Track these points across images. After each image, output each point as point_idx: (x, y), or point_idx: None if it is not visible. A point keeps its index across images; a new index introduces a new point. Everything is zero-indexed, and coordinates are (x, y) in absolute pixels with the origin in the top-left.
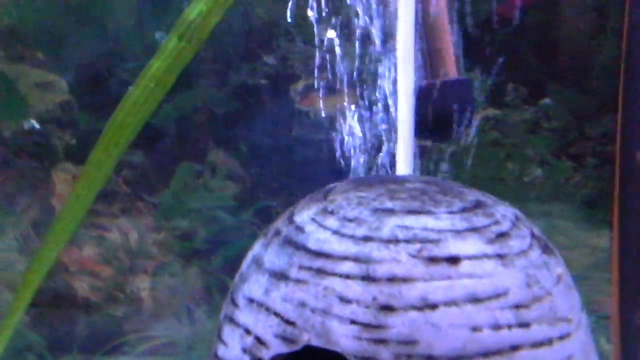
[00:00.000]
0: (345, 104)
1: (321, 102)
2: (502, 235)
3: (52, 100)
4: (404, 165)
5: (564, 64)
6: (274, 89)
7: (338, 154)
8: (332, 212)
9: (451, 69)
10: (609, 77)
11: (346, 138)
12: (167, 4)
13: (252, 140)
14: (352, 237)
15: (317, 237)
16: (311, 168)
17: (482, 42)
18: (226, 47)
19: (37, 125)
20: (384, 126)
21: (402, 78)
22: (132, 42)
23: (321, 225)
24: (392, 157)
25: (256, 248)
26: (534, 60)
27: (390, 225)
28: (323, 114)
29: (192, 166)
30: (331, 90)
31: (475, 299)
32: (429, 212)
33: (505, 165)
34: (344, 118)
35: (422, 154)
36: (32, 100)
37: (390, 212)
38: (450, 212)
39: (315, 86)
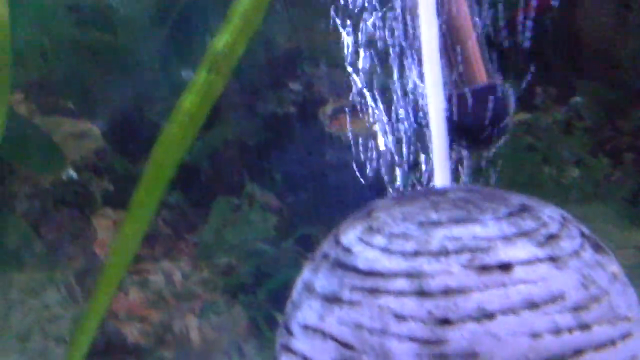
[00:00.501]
0: (375, 122)
1: (350, 123)
2: (552, 238)
3: (86, 148)
4: (441, 176)
5: (590, 60)
6: (303, 115)
7: (373, 173)
8: (378, 230)
9: (480, 75)
10: (636, 70)
11: (380, 156)
12: (190, 43)
13: (286, 169)
14: (401, 253)
15: (366, 256)
16: (347, 190)
17: (505, 47)
18: (251, 78)
19: (74, 175)
20: (417, 140)
21: (430, 89)
22: (159, 83)
23: (368, 244)
24: (428, 170)
25: (305, 274)
26: (559, 60)
27: (438, 238)
28: (354, 135)
29: (228, 201)
30: (360, 110)
31: (532, 305)
32: (475, 220)
33: (541, 168)
34: (375, 137)
35: (457, 164)
36: (68, 150)
37: (437, 224)
38: (497, 218)
39: (344, 108)
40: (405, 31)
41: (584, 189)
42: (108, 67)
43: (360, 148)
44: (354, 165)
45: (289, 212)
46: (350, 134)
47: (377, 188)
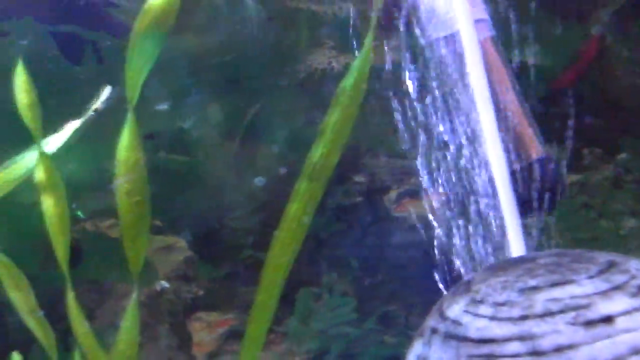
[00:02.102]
0: (441, 201)
1: (415, 205)
2: None
3: (175, 260)
4: (517, 246)
5: (629, 117)
6: (369, 203)
7: (443, 250)
8: (481, 301)
9: (536, 148)
10: None
11: (451, 233)
12: (258, 153)
13: (360, 254)
14: (509, 319)
15: (476, 326)
16: (419, 269)
17: (548, 115)
18: None
19: (167, 285)
20: (487, 213)
21: (496, 167)
22: (233, 192)
23: (476, 315)
24: (499, 241)
25: (418, 348)
26: (601, 121)
27: (540, 301)
28: (419, 216)
29: (310, 291)
30: (423, 192)
31: (637, 351)
32: (571, 281)
33: (598, 223)
34: (443, 215)
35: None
36: (160, 263)
37: (536, 288)
38: (590, 277)
39: (408, 192)
40: (463, 117)
41: None
42: (187, 183)
43: (428, 227)
44: (423, 244)
45: (368, 293)
46: (417, 215)
47: (449, 265)
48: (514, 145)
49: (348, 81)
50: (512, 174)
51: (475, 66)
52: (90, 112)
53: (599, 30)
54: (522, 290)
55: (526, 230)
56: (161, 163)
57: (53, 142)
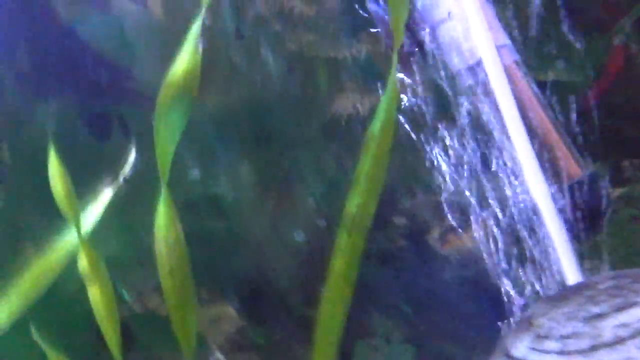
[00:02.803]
0: (485, 234)
1: (460, 240)
2: None
3: (227, 329)
4: (572, 270)
5: None
6: (414, 245)
7: (496, 284)
8: (547, 336)
9: (575, 168)
10: None
11: (499, 264)
12: (295, 208)
13: (412, 299)
14: (578, 351)
15: None
16: (475, 305)
17: (581, 132)
18: None
19: (221, 357)
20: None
21: (538, 195)
22: (274, 251)
23: (543, 351)
24: (553, 268)
25: None
26: (635, 130)
27: (609, 328)
28: (466, 251)
29: (367, 342)
30: (467, 226)
31: None
32: (636, 303)
33: None
34: (491, 246)
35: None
36: (211, 334)
37: (601, 316)
38: None
39: (451, 228)
40: (497, 145)
41: None
42: (227, 249)
43: (478, 261)
44: (476, 279)
45: (425, 338)
46: (464, 251)
47: (502, 297)
48: (552, 167)
49: (375, 126)
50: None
51: (503, 92)
52: (120, 181)
53: (622, 40)
54: (587, 320)
55: (578, 253)
56: (200, 232)
57: (89, 218)
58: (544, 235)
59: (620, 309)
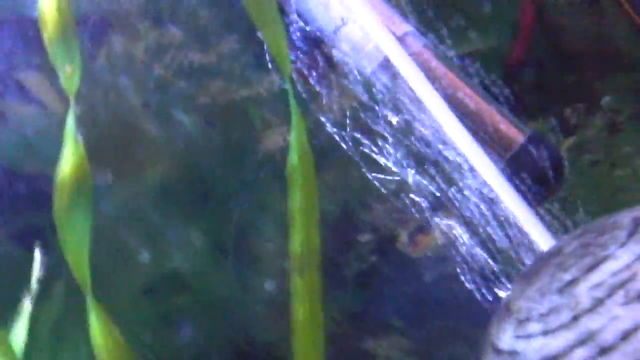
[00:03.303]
0: (452, 227)
1: (431, 240)
2: None
3: None
4: (542, 238)
5: (592, 60)
6: (385, 257)
7: (470, 277)
8: (527, 319)
9: (516, 134)
10: None
11: (474, 251)
12: (254, 253)
13: (401, 312)
14: (562, 326)
15: (533, 348)
16: (464, 299)
17: (513, 94)
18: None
19: None
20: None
21: (482, 167)
22: (248, 308)
23: (527, 336)
24: (525, 240)
25: None
26: (567, 77)
27: (584, 292)
28: (441, 248)
29: None
30: (429, 226)
31: None
32: (605, 258)
33: (614, 174)
34: (458, 242)
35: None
36: None
37: (574, 282)
38: (622, 245)
39: (418, 230)
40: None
41: None
42: (199, 321)
43: (448, 258)
44: (456, 273)
45: (425, 348)
46: (433, 250)
47: (484, 282)
48: (494, 140)
49: (293, 159)
50: (506, 169)
51: (417, 81)
52: (32, 291)
53: None
54: (561, 290)
55: (546, 216)
56: (167, 312)
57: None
58: (506, 213)
59: (590, 268)
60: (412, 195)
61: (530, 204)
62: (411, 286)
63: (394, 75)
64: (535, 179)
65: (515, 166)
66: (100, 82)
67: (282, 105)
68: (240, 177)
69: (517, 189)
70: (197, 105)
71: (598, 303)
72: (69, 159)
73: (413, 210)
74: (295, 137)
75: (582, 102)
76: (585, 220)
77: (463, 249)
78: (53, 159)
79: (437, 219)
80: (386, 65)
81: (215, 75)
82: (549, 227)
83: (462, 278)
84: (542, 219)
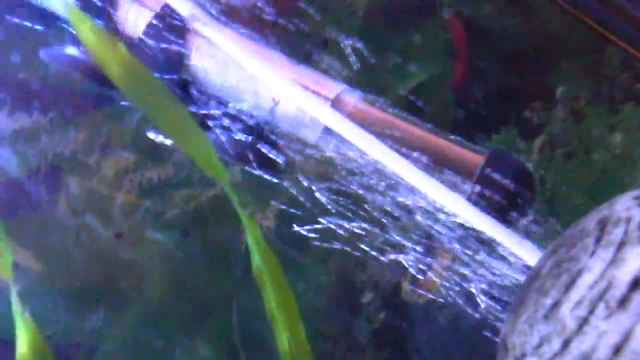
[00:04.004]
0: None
1: (431, 282)
2: None
3: None
4: (525, 252)
5: (529, 56)
6: (395, 311)
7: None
8: (523, 355)
9: (474, 158)
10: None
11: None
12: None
13: (418, 347)
14: (555, 354)
15: None
16: (490, 331)
17: (467, 113)
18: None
19: None
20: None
21: (452, 202)
22: None
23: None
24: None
25: None
26: (512, 80)
27: (567, 315)
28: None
29: None
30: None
31: None
32: (579, 272)
33: (591, 162)
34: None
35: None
36: None
37: (556, 305)
38: (592, 254)
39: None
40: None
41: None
42: None
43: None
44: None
45: None
46: (440, 287)
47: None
48: (456, 169)
49: (256, 260)
50: (469, 198)
51: (361, 138)
52: None
53: (450, 12)
54: (546, 317)
55: (529, 227)
56: None
57: None
58: (489, 239)
59: (567, 287)
60: (404, 243)
61: (508, 222)
62: (428, 332)
63: (337, 138)
64: (507, 193)
65: (485, 186)
66: (68, 226)
67: (250, 192)
68: (230, 276)
69: (494, 209)
70: (168, 219)
71: (583, 322)
72: (23, 340)
73: (407, 258)
74: (252, 240)
75: (538, 100)
76: (574, 219)
77: (465, 285)
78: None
79: (431, 261)
80: (327, 131)
81: (176, 185)
82: (538, 237)
83: (470, 311)
84: (527, 232)
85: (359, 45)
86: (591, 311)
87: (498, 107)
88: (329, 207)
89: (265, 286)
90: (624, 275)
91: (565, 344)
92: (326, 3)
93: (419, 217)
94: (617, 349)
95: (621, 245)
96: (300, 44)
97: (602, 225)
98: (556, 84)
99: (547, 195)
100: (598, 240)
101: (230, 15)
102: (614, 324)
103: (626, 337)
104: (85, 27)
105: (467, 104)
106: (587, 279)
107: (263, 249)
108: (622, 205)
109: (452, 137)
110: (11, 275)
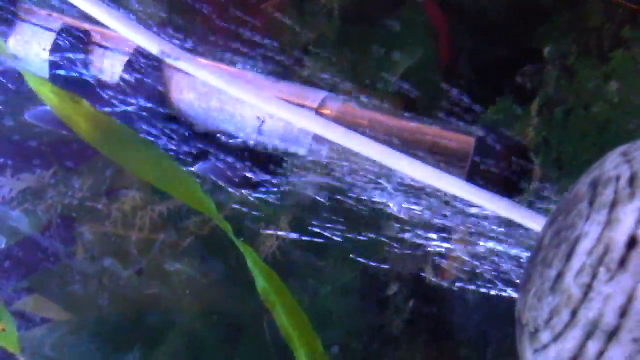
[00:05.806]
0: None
1: (456, 258)
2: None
3: None
4: (529, 220)
5: (509, 23)
6: (421, 297)
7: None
8: (536, 330)
9: (465, 140)
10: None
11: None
12: None
13: (465, 340)
14: (566, 326)
15: (552, 357)
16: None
17: (461, 89)
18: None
19: None
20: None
21: (455, 190)
22: None
23: (543, 348)
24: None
25: None
26: (498, 49)
27: (571, 284)
28: (466, 263)
29: None
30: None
31: None
32: (577, 239)
33: (588, 116)
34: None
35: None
36: None
37: (560, 275)
38: (587, 218)
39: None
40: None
41: None
42: None
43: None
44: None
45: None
46: (462, 267)
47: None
48: (450, 154)
49: (260, 284)
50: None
51: (350, 140)
52: None
53: None
54: (552, 289)
55: (532, 197)
56: None
57: None
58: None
59: (568, 256)
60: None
61: (510, 194)
62: (459, 314)
63: (328, 147)
64: (505, 167)
65: (481, 167)
66: (88, 273)
67: (259, 209)
68: (256, 294)
69: (495, 186)
70: (185, 248)
71: (587, 289)
72: None
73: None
74: (252, 265)
75: (527, 65)
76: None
77: (486, 261)
78: None
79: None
80: (317, 140)
81: (187, 214)
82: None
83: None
84: (539, 199)
85: (340, 45)
86: (593, 277)
87: (489, 78)
88: (336, 208)
89: (274, 307)
90: (619, 236)
91: (574, 314)
92: (302, 9)
93: (428, 203)
94: (623, 311)
95: (613, 205)
96: (281, 56)
97: (594, 186)
98: (542, 45)
99: (554, 156)
100: (591, 204)
101: (205, 43)
102: (617, 286)
103: (630, 298)
104: (46, 90)
105: (458, 81)
106: (585, 245)
107: (265, 271)
108: (611, 163)
109: (439, 123)
110: (19, 350)
